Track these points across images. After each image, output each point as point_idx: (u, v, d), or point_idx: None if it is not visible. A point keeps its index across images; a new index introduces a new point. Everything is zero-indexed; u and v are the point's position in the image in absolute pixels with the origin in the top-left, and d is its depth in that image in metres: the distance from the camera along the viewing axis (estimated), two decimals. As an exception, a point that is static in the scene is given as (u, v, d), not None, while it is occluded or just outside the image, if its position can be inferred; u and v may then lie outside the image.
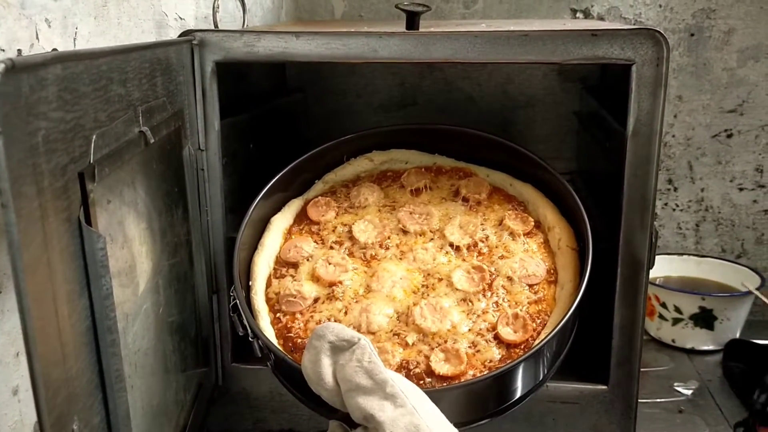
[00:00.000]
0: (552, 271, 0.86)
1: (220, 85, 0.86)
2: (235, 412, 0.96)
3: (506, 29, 0.83)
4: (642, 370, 0.88)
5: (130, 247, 0.65)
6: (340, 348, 0.64)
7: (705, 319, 1.19)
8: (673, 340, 1.23)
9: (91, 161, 0.53)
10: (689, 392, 1.09)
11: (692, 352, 1.22)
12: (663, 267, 1.29)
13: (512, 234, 0.89)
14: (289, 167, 0.95)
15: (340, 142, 0.99)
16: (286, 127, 1.25)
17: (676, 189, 1.42)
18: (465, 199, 0.95)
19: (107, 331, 0.54)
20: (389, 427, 0.58)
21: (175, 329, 0.78)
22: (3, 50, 0.63)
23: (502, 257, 0.87)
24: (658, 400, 1.06)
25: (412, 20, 0.87)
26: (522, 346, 0.79)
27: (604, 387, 0.89)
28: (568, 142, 1.33)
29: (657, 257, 0.86)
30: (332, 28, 0.94)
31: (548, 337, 0.76)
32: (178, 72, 0.78)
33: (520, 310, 0.81)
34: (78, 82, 0.52)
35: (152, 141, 0.66)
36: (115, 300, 0.56)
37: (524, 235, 0.89)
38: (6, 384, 0.65)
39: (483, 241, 0.89)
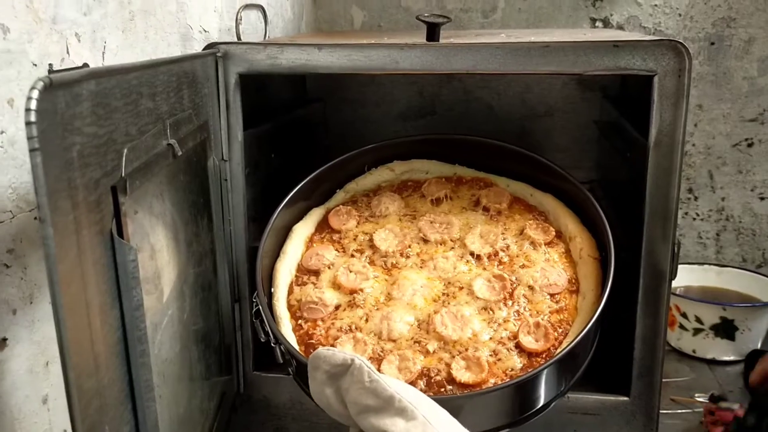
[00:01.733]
0: (573, 280, 0.86)
1: (243, 97, 0.87)
2: (256, 420, 0.97)
3: (527, 40, 0.83)
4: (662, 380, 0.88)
5: (158, 258, 0.66)
6: (338, 374, 0.64)
7: (726, 330, 1.19)
8: (694, 351, 1.22)
9: (123, 175, 0.54)
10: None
11: (713, 362, 1.21)
12: (683, 277, 1.29)
13: (533, 243, 0.89)
14: (310, 177, 0.96)
15: (361, 152, 1.00)
16: (306, 136, 1.26)
17: (696, 198, 1.41)
18: (485, 209, 0.95)
19: (137, 342, 0.55)
20: None
21: (200, 338, 0.79)
22: (35, 65, 0.64)
23: (523, 266, 0.87)
24: (680, 411, 1.06)
25: (433, 31, 0.87)
26: (543, 355, 0.79)
27: (626, 398, 0.88)
28: (588, 151, 1.32)
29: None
30: (353, 39, 0.95)
31: (570, 345, 0.76)
32: (203, 84, 0.79)
33: (542, 319, 0.82)
34: (110, 97, 0.53)
35: (179, 153, 0.67)
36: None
37: (545, 244, 0.89)
38: (36, 393, 0.66)
39: (504, 251, 0.89)
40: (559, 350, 0.78)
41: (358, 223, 0.96)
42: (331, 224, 0.96)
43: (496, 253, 0.89)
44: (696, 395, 1.10)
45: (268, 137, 1.02)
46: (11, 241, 0.62)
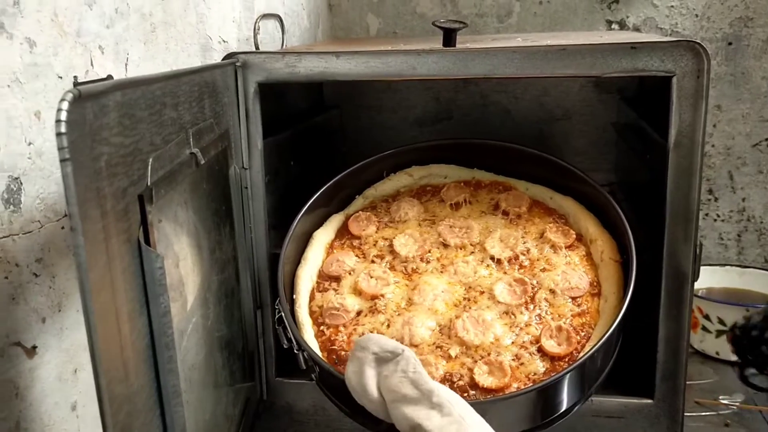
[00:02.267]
0: (595, 283, 0.86)
1: (262, 105, 0.88)
2: (279, 426, 0.97)
3: (544, 44, 0.83)
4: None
5: (182, 266, 0.67)
6: (385, 359, 0.64)
7: (749, 331, 1.18)
8: (717, 353, 1.21)
9: (149, 183, 0.55)
10: (735, 405, 1.07)
11: (737, 364, 1.20)
12: (705, 278, 1.27)
13: (554, 247, 0.89)
14: (330, 183, 0.96)
15: (380, 157, 1.01)
16: (324, 143, 1.27)
17: (716, 199, 1.40)
18: (505, 213, 0.95)
19: (165, 348, 0.56)
20: None
21: (224, 344, 0.80)
22: (60, 77, 0.65)
23: (543, 270, 0.87)
24: (704, 413, 1.05)
25: (449, 37, 0.88)
26: (566, 359, 0.79)
27: (650, 401, 0.88)
28: (606, 153, 1.32)
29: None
30: (369, 46, 0.95)
31: (593, 349, 0.76)
32: (224, 94, 0.80)
33: (564, 323, 0.81)
34: (135, 108, 0.54)
35: (202, 162, 0.68)
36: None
37: (566, 247, 0.89)
38: (66, 400, 0.67)
39: (524, 254, 0.89)
40: (581, 354, 0.77)
41: (377, 229, 0.96)
42: (351, 230, 0.97)
43: (516, 257, 0.89)
44: (720, 398, 1.09)
45: (287, 145, 1.03)
46: (40, 251, 0.64)
